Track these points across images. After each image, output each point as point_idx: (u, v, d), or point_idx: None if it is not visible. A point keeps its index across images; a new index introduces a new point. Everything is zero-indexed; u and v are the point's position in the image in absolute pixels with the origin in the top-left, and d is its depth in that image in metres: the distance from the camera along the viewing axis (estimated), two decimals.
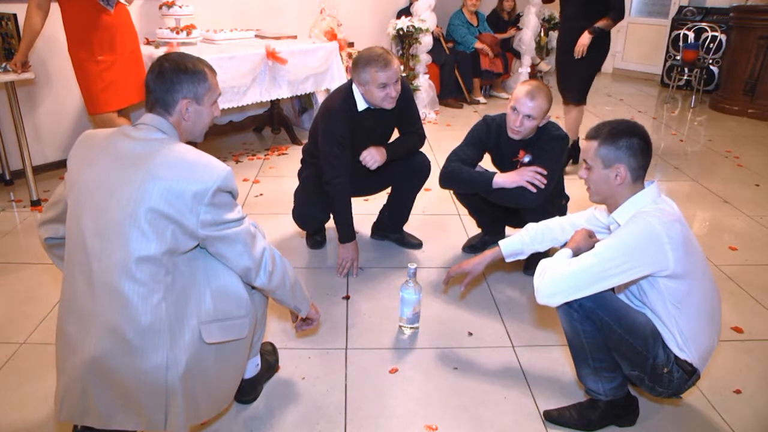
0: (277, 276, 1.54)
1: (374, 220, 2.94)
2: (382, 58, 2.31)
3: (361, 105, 2.44)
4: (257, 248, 1.47)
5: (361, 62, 2.34)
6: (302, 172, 2.76)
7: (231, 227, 1.41)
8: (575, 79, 3.83)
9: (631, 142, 1.59)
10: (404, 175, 2.70)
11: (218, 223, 1.38)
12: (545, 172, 2.31)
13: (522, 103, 2.29)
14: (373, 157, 2.49)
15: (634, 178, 1.61)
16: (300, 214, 2.74)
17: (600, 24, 3.54)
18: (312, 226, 2.82)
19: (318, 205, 2.65)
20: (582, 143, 1.73)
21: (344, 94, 2.45)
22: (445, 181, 2.50)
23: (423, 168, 2.70)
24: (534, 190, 2.30)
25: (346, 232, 2.52)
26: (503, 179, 2.34)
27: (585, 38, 3.59)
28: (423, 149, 2.72)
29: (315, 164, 2.60)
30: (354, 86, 2.43)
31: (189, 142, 1.49)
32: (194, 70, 1.46)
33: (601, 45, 3.67)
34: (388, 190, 2.84)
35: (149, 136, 1.40)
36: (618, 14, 3.55)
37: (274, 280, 1.53)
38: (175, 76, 1.43)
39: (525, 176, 2.31)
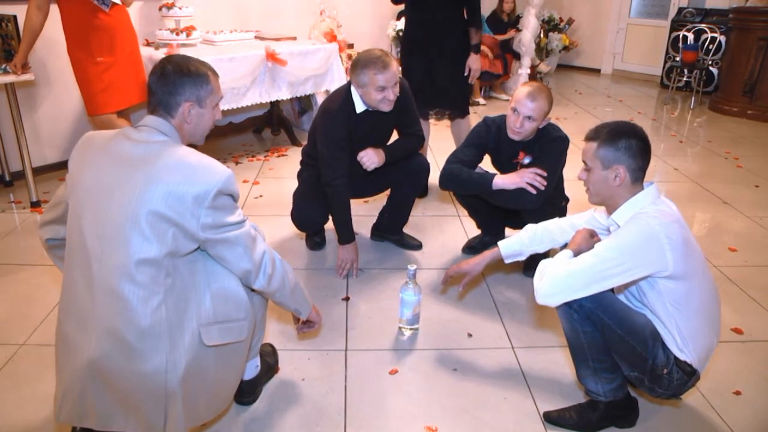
0: (277, 279, 1.54)
1: (374, 221, 2.94)
2: (380, 60, 2.31)
3: (360, 107, 2.44)
4: (257, 251, 1.47)
5: (359, 64, 2.34)
6: (302, 173, 2.76)
7: (232, 230, 1.41)
8: (457, 88, 3.32)
9: (630, 143, 1.59)
10: (403, 177, 2.70)
11: (219, 226, 1.38)
12: (545, 174, 2.32)
13: (523, 104, 2.29)
14: (370, 158, 2.49)
15: (633, 179, 1.61)
16: (299, 215, 2.74)
17: (476, 40, 3.20)
18: (311, 227, 2.82)
19: (317, 207, 2.65)
20: (581, 144, 1.72)
21: (343, 95, 2.46)
22: (445, 183, 2.50)
23: (422, 169, 2.70)
24: (534, 191, 2.30)
25: (346, 233, 2.52)
26: (503, 181, 2.34)
27: (477, 62, 3.21)
28: (422, 151, 2.72)
29: (314, 165, 2.60)
30: (353, 88, 2.43)
31: (190, 145, 1.49)
32: (197, 73, 1.46)
33: (467, 45, 3.25)
34: (388, 191, 2.84)
35: (150, 138, 1.40)
36: (475, 14, 3.18)
37: (273, 283, 1.53)
38: (178, 79, 1.43)
39: (525, 178, 2.31)
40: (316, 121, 2.55)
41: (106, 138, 1.44)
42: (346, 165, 2.45)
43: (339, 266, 2.57)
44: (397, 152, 2.59)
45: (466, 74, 3.27)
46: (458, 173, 2.43)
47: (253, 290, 1.55)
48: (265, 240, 1.56)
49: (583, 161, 1.68)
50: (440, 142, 4.44)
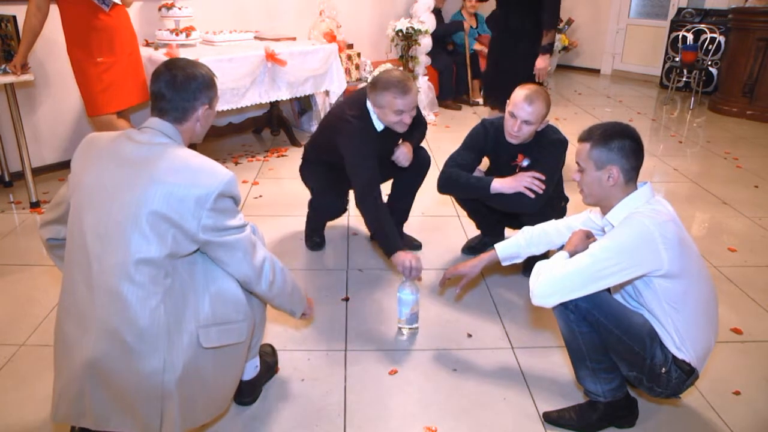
0: (278, 285, 1.55)
1: None
2: (402, 84, 2.28)
3: (379, 126, 2.45)
4: (257, 257, 1.48)
5: (379, 85, 2.31)
6: (305, 167, 2.76)
7: (232, 234, 1.41)
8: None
9: (623, 144, 1.59)
10: (407, 170, 2.69)
11: (219, 229, 1.39)
12: (543, 177, 2.30)
13: (520, 108, 2.27)
14: (405, 156, 2.57)
15: (626, 180, 1.61)
16: (320, 205, 2.75)
17: (546, 41, 3.40)
18: (333, 213, 2.82)
19: (336, 192, 2.68)
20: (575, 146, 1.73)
21: (362, 115, 2.42)
22: (444, 187, 2.48)
23: (425, 162, 2.74)
24: (532, 195, 2.29)
25: (396, 240, 2.32)
26: (501, 185, 2.32)
27: (543, 62, 3.43)
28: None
29: (321, 162, 2.64)
30: (369, 107, 2.41)
31: (190, 145, 1.51)
32: (206, 76, 1.50)
33: (536, 48, 3.48)
34: (388, 191, 2.84)
35: (153, 140, 1.41)
36: (551, 17, 3.37)
37: (274, 289, 1.55)
38: (194, 84, 1.46)
39: (523, 182, 2.29)
40: (336, 138, 2.44)
41: (109, 139, 1.45)
42: (380, 179, 2.46)
43: (403, 273, 2.22)
44: (417, 143, 2.69)
45: (534, 73, 3.46)
46: (456, 178, 2.41)
47: (251, 293, 1.56)
48: (265, 244, 1.57)
49: (577, 162, 1.69)
50: (440, 143, 4.44)
